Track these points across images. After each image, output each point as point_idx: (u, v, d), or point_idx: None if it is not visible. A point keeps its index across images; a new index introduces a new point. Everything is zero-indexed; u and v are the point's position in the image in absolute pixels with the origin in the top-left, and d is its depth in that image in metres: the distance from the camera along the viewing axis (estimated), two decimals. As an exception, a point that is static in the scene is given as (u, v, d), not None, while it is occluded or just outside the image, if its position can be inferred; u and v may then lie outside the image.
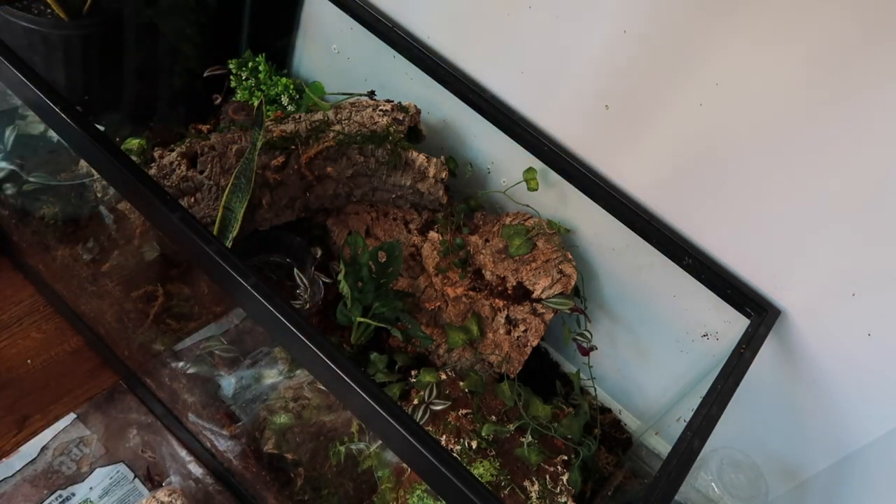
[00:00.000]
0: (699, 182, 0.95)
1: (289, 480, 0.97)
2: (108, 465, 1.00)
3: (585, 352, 1.09)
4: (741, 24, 0.81)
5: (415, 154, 1.09)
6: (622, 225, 1.01)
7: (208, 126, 1.13)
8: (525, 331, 1.06)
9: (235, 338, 1.02)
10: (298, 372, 1.01)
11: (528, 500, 0.91)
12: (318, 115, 1.08)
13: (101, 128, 0.69)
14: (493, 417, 0.98)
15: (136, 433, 1.03)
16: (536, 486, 0.93)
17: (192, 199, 0.99)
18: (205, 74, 1.23)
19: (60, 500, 0.96)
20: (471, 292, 1.09)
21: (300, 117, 1.08)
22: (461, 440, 0.93)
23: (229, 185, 0.95)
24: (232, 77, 1.26)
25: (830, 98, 0.79)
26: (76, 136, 0.70)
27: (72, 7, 1.05)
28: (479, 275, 1.10)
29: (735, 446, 1.03)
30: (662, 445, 1.21)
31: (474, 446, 0.93)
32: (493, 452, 0.94)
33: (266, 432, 0.96)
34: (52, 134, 1.07)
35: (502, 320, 1.07)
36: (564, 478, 0.95)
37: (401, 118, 1.10)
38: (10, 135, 1.06)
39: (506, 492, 0.91)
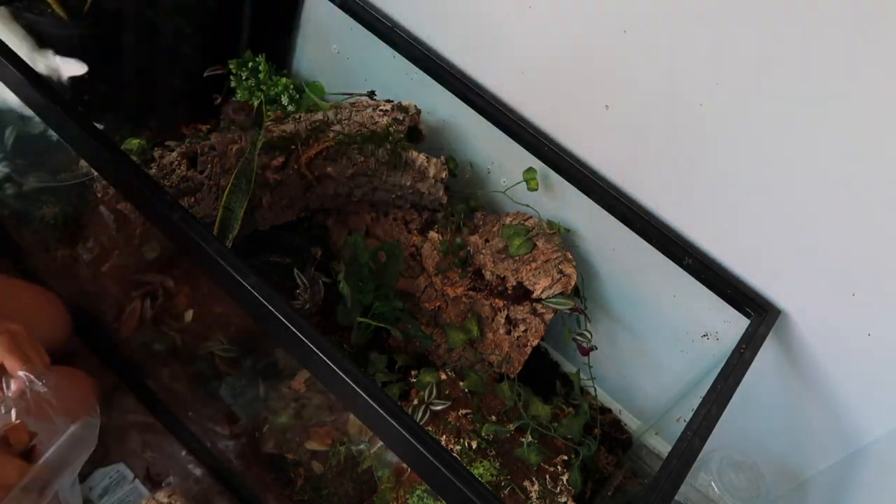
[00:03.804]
0: (699, 183, 0.95)
1: (289, 480, 0.97)
2: (108, 465, 1.00)
3: (585, 352, 1.09)
4: (739, 23, 0.81)
5: (415, 154, 1.09)
6: (622, 225, 1.01)
7: (208, 126, 1.13)
8: (525, 331, 1.06)
9: (235, 337, 1.02)
10: (298, 372, 1.01)
11: (528, 500, 0.91)
12: (318, 115, 1.08)
13: (101, 128, 0.69)
14: (493, 417, 0.98)
15: (136, 433, 1.03)
16: (536, 486, 0.93)
17: (192, 199, 0.99)
18: (205, 74, 1.23)
19: (60, 500, 0.95)
20: (471, 292, 1.09)
21: (300, 117, 1.08)
22: (461, 440, 0.93)
23: (229, 185, 0.94)
24: (232, 77, 1.26)
25: (832, 97, 0.78)
26: (76, 136, 0.70)
27: (72, 7, 1.05)
28: (479, 275, 1.10)
29: (735, 446, 1.03)
30: (662, 445, 1.21)
31: (474, 446, 0.93)
32: (493, 452, 0.94)
33: (266, 432, 0.96)
34: (52, 134, 1.07)
35: (502, 320, 1.07)
36: (564, 478, 0.95)
37: (401, 118, 1.10)
38: (10, 135, 1.06)
39: (506, 492, 0.91)
